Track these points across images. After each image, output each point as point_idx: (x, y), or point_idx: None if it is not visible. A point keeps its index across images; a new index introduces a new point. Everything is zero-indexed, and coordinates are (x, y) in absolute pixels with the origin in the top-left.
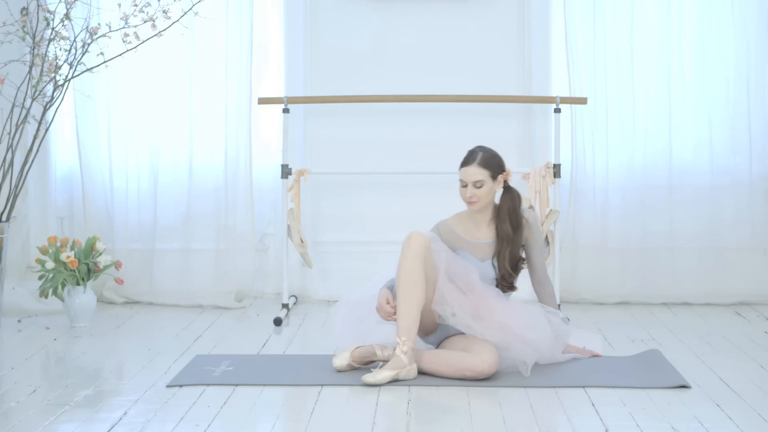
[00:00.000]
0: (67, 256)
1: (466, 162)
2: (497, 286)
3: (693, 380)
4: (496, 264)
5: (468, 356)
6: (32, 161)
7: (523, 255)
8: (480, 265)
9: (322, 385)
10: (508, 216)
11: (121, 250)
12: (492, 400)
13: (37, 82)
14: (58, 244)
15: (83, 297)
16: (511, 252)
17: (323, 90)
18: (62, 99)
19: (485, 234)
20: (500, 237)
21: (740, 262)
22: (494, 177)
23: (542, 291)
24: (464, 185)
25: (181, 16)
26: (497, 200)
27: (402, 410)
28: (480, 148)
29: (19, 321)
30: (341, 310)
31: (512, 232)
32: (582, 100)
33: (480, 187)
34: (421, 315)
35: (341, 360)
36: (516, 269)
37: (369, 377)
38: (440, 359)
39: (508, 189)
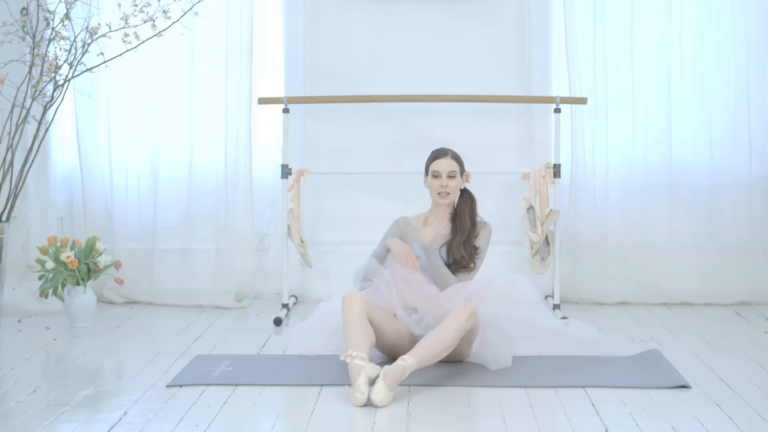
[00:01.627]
0: (67, 256)
1: (439, 156)
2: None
3: (693, 380)
4: (444, 253)
5: (450, 318)
6: (32, 161)
7: (479, 245)
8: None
9: (322, 385)
10: (468, 213)
11: (121, 250)
12: (492, 400)
13: (37, 82)
14: (58, 244)
15: (83, 297)
16: (466, 241)
17: (323, 90)
18: (62, 99)
19: (442, 228)
20: (456, 228)
21: (740, 262)
22: (461, 173)
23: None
24: (438, 176)
25: (181, 16)
26: (455, 203)
27: (402, 410)
28: (446, 147)
29: (19, 321)
30: (297, 329)
31: (469, 225)
32: (582, 100)
33: (453, 177)
34: (397, 344)
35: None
36: (471, 256)
37: (357, 397)
38: (432, 343)
39: (466, 191)
